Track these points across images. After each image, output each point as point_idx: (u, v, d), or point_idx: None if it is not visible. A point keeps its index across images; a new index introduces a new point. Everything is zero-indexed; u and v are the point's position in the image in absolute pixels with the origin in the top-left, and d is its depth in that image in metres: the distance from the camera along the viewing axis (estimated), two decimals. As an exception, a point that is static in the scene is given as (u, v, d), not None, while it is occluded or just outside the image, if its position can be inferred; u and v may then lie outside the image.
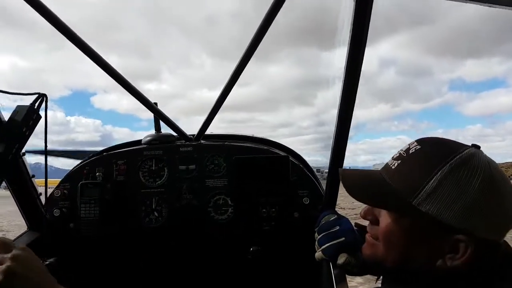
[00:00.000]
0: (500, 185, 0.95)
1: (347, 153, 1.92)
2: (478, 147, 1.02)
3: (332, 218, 1.72)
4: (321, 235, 1.66)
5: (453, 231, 0.94)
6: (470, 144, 1.03)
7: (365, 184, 1.13)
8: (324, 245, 1.62)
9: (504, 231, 0.98)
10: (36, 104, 1.80)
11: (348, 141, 1.91)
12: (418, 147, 1.04)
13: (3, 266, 0.99)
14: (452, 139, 1.08)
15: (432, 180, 0.95)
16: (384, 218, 1.07)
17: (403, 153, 1.06)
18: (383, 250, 1.08)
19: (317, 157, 2.49)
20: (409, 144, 1.08)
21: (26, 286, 1.02)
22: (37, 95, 1.78)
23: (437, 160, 0.97)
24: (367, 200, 1.11)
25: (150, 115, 2.49)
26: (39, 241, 2.07)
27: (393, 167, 1.06)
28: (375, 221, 1.12)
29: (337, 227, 1.64)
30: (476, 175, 0.93)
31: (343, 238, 1.58)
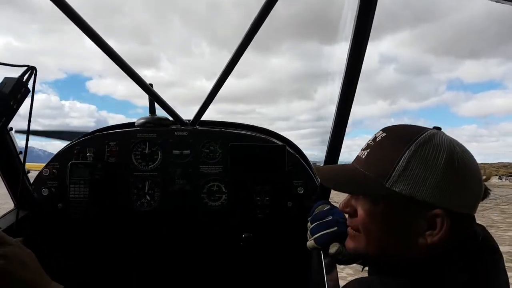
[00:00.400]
0: (465, 160, 1.00)
1: (344, 149, 1.92)
2: (439, 128, 1.08)
3: (325, 208, 1.73)
4: (314, 224, 1.67)
5: (427, 208, 0.98)
6: (432, 127, 1.09)
7: (340, 174, 1.18)
8: (316, 234, 1.62)
9: (475, 204, 1.03)
10: (25, 77, 1.72)
11: (345, 137, 1.91)
12: (384, 134, 1.09)
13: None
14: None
15: (401, 161, 1.00)
16: (361, 207, 1.10)
17: (371, 142, 1.11)
18: (364, 239, 1.10)
19: (314, 151, 2.47)
20: (375, 134, 1.12)
21: (18, 284, 1.00)
22: (26, 68, 1.71)
23: (404, 142, 1.02)
24: (342, 189, 1.13)
25: (145, 102, 2.44)
26: (25, 220, 2.02)
27: (363, 157, 1.10)
28: (353, 213, 1.14)
29: (330, 217, 1.64)
30: (441, 152, 0.99)
31: (336, 228, 1.58)
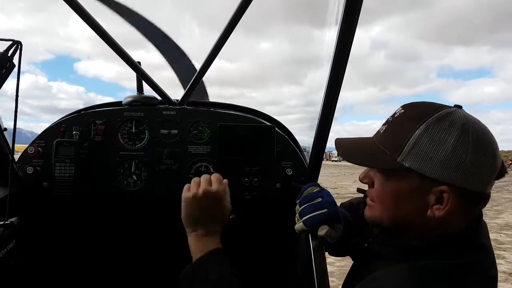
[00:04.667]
0: (481, 139, 1.06)
1: (333, 134, 1.93)
2: (460, 107, 1.13)
3: (314, 190, 1.71)
4: (303, 206, 1.65)
5: (435, 184, 1.06)
6: (453, 105, 1.14)
7: (358, 147, 1.26)
8: (305, 216, 1.61)
9: (488, 182, 1.08)
10: (10, 52, 1.68)
11: (335, 122, 1.91)
12: (402, 111, 1.16)
13: (205, 189, 1.54)
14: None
15: (412, 138, 1.07)
16: (377, 179, 1.19)
17: (390, 118, 1.18)
18: (379, 210, 1.19)
19: (303, 136, 2.46)
20: (395, 111, 1.19)
21: (220, 209, 1.60)
22: (11, 42, 1.66)
23: (416, 119, 1.09)
24: (358, 161, 1.21)
25: (134, 84, 2.38)
26: (10, 198, 2.00)
27: (381, 132, 1.19)
28: (371, 184, 1.24)
29: (319, 199, 1.63)
30: (452, 130, 1.04)
31: (325, 210, 1.57)
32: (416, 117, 1.10)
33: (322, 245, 1.64)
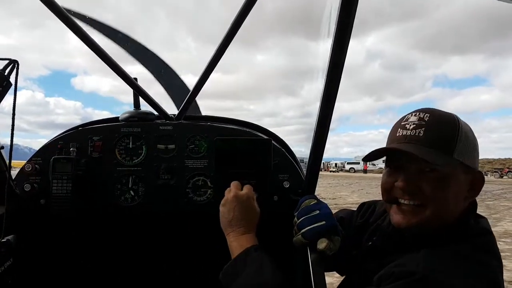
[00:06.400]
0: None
1: (330, 145, 1.91)
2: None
3: (312, 203, 1.71)
4: (301, 219, 1.66)
5: (471, 171, 1.26)
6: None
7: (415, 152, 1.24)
8: (304, 228, 1.61)
9: None
10: (7, 71, 1.70)
11: (331, 133, 1.93)
12: (428, 114, 1.26)
13: (236, 193, 1.74)
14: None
15: (459, 135, 1.23)
16: (431, 180, 1.23)
17: (420, 122, 1.26)
18: (430, 210, 1.23)
19: (301, 147, 2.46)
20: (414, 116, 1.28)
21: (252, 212, 1.73)
22: (8, 61, 1.68)
23: (452, 120, 1.26)
24: (431, 160, 1.23)
25: (131, 98, 2.41)
26: (7, 216, 1.99)
27: (421, 135, 1.24)
28: (417, 191, 1.25)
29: (317, 211, 1.64)
30: (469, 126, 1.29)
31: (324, 222, 1.59)
32: (450, 117, 1.26)
33: (321, 258, 1.63)
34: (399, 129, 1.30)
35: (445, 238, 1.21)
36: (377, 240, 1.46)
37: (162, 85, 3.21)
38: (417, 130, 1.25)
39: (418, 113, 1.28)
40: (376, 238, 1.48)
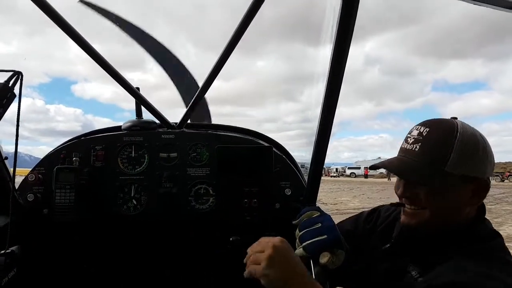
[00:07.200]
0: (483, 141, 1.30)
1: (330, 150, 1.91)
2: (456, 118, 1.36)
3: (314, 215, 1.68)
4: (302, 232, 1.63)
5: (472, 180, 1.27)
6: (450, 117, 1.37)
7: (405, 167, 1.32)
8: (306, 242, 1.58)
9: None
10: (11, 82, 1.72)
11: (332, 138, 1.91)
12: (427, 129, 1.31)
13: (266, 253, 1.25)
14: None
15: (454, 148, 1.24)
16: (423, 190, 1.30)
17: (418, 136, 1.32)
18: (428, 213, 1.31)
19: (301, 152, 2.47)
20: (416, 129, 1.34)
21: (282, 272, 1.23)
22: (12, 73, 1.70)
23: (449, 132, 1.27)
24: (411, 179, 1.33)
25: (132, 105, 2.42)
26: (10, 227, 1.99)
27: (417, 150, 1.31)
28: (414, 197, 1.33)
29: (319, 224, 1.61)
30: (476, 133, 1.29)
31: (326, 236, 1.56)
32: (448, 130, 1.28)
33: (324, 272, 1.60)
34: (404, 142, 1.38)
35: (459, 241, 1.29)
36: (395, 243, 1.51)
37: (172, 79, 3.22)
38: (414, 145, 1.32)
39: (420, 127, 1.34)
40: (394, 240, 1.52)
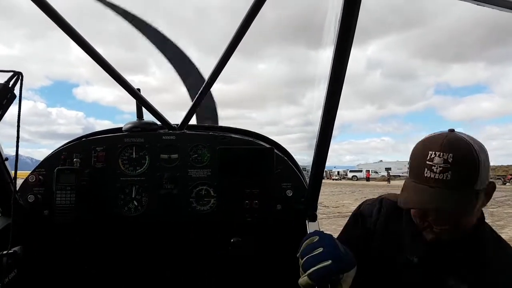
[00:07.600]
0: (484, 146, 1.41)
1: (332, 153, 1.88)
2: (453, 130, 1.44)
3: (315, 240, 1.52)
4: (304, 258, 1.48)
5: (480, 191, 1.36)
6: (448, 130, 1.44)
7: (449, 200, 1.36)
8: (309, 269, 1.44)
9: None
10: (11, 83, 1.71)
11: (333, 141, 1.90)
12: (450, 154, 1.34)
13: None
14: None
15: (480, 169, 1.33)
16: (456, 214, 1.39)
17: (445, 164, 1.35)
18: (458, 228, 1.42)
19: (303, 156, 2.46)
20: (439, 157, 1.36)
21: None
22: (12, 73, 1.70)
23: (471, 155, 1.33)
24: (456, 210, 1.40)
25: (132, 108, 2.42)
26: (10, 228, 1.99)
27: (449, 178, 1.34)
28: (446, 221, 1.41)
29: (321, 249, 1.47)
30: (483, 148, 1.38)
31: (330, 262, 1.42)
32: (469, 150, 1.34)
33: None
34: (426, 169, 1.38)
35: (475, 242, 1.44)
36: (425, 256, 1.54)
37: (181, 76, 3.21)
38: (444, 174, 1.34)
39: (441, 154, 1.35)
40: (424, 254, 1.55)
